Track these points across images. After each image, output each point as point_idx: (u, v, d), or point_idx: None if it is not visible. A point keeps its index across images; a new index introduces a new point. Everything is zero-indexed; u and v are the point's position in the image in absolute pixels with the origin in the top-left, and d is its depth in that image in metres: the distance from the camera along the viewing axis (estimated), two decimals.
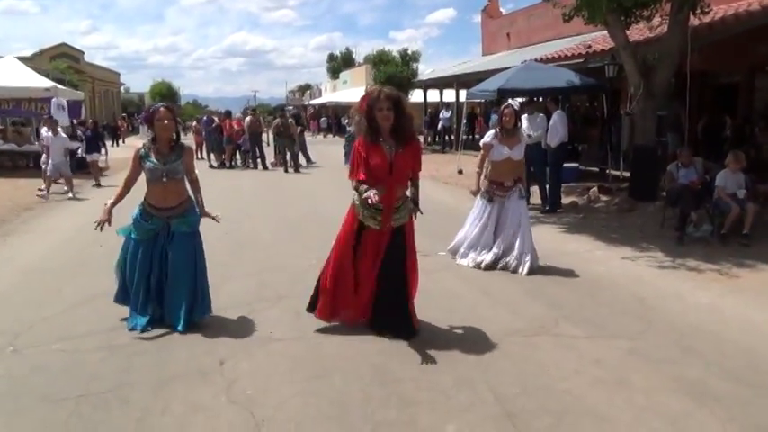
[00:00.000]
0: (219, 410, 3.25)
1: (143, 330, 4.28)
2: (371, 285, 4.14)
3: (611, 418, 3.11)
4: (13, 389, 3.51)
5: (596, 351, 3.94)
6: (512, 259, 5.82)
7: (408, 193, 4.19)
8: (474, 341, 4.09)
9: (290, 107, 54.59)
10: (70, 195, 11.48)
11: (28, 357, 3.94)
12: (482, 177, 6.10)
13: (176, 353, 3.98)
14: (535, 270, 5.79)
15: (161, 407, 3.28)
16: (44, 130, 12.32)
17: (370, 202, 3.83)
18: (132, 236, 4.41)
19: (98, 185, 13.03)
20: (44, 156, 11.92)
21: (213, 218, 4.51)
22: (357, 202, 4.08)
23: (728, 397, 3.32)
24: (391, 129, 3.96)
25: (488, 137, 6.03)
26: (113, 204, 4.36)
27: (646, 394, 3.35)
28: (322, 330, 4.29)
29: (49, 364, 3.82)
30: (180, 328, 4.27)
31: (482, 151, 6.09)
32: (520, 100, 12.09)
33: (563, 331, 4.31)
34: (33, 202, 10.70)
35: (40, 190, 11.31)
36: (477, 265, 5.91)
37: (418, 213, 4.24)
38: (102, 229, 4.28)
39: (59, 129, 12.18)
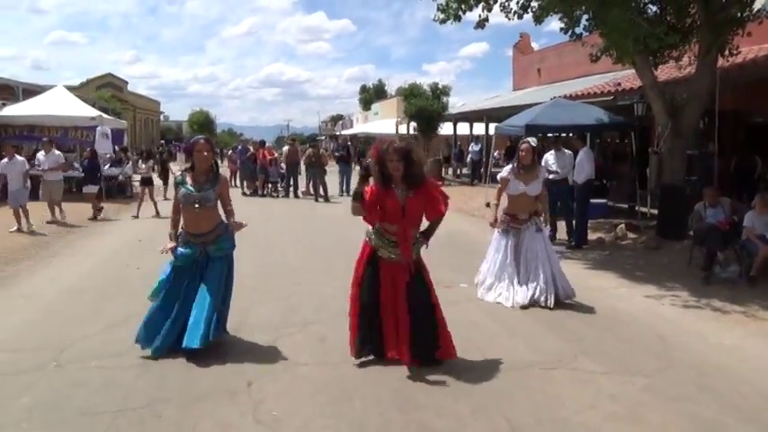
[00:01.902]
0: (246, 429, 3.43)
1: (156, 353, 4.40)
2: (406, 325, 4.19)
3: None
4: (55, 402, 3.75)
5: (613, 386, 4.00)
6: (538, 292, 5.87)
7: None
8: (492, 372, 4.19)
9: (323, 137, 55.44)
10: (23, 228, 10.10)
11: (69, 373, 4.20)
12: (499, 209, 6.24)
13: (206, 372, 4.18)
14: (564, 300, 5.92)
15: (192, 423, 3.47)
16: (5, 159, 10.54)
17: None
18: (171, 263, 4.61)
19: (94, 219, 12.20)
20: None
21: (241, 224, 4.55)
22: (372, 235, 4.28)
23: None
24: (402, 177, 4.13)
25: (506, 171, 6.20)
26: (174, 233, 4.64)
27: (659, 431, 3.40)
28: (345, 356, 4.44)
29: (88, 380, 4.06)
30: (196, 344, 4.27)
31: (499, 185, 6.28)
32: (549, 135, 12.28)
33: (581, 365, 4.38)
34: (74, 226, 11.19)
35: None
36: (504, 301, 5.93)
37: (424, 247, 4.32)
38: (168, 254, 4.58)
39: (14, 153, 10.66)
